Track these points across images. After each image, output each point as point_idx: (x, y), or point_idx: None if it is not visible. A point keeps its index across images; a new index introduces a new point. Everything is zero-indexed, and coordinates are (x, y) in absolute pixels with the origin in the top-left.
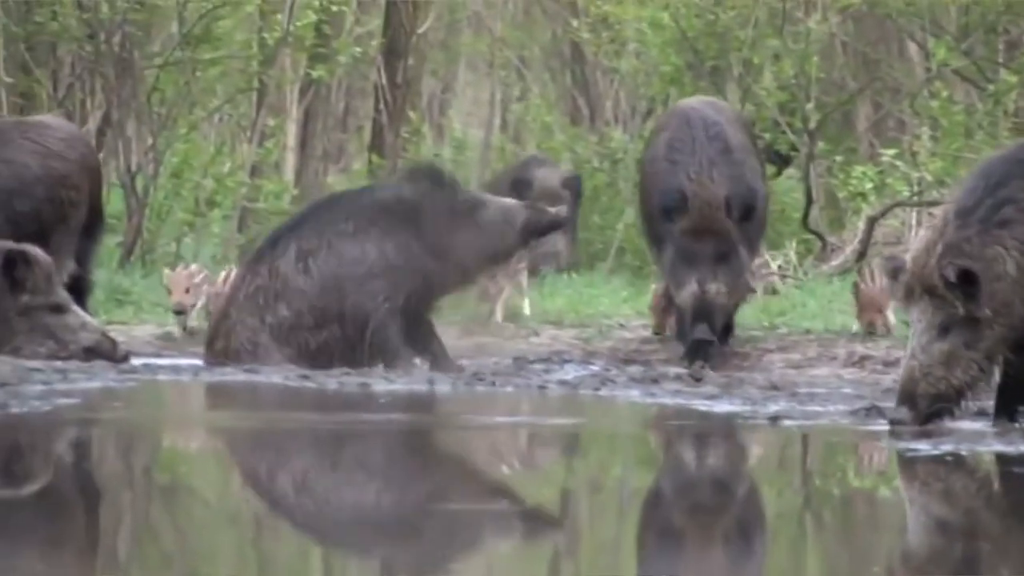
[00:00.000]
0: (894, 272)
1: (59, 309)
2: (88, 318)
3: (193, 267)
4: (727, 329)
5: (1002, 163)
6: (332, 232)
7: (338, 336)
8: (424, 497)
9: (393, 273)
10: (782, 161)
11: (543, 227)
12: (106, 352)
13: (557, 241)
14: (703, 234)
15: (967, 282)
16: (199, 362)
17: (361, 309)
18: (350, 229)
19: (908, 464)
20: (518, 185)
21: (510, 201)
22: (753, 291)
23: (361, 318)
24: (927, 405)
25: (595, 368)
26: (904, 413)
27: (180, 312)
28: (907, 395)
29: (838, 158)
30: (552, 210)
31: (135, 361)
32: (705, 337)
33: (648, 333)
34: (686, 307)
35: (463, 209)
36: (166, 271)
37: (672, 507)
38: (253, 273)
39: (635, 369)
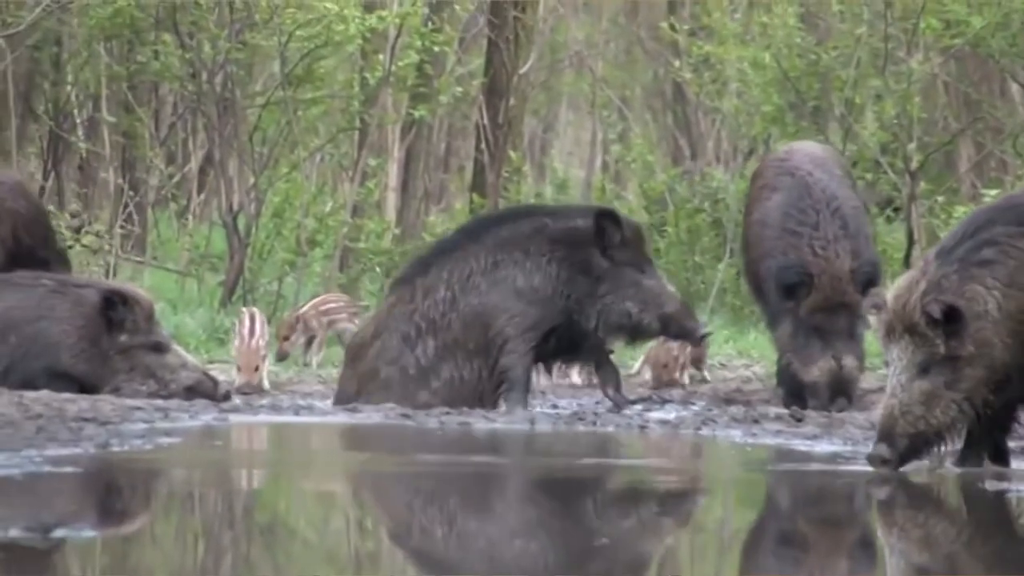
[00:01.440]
0: (875, 310)
1: (159, 348)
2: (189, 357)
3: (256, 340)
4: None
5: (987, 210)
6: (487, 259)
7: (481, 370)
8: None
9: (540, 307)
10: (885, 202)
11: (679, 330)
12: (207, 391)
13: None
14: (834, 309)
15: (951, 320)
16: (301, 401)
17: (501, 338)
18: (507, 257)
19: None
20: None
21: (670, 287)
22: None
23: (498, 347)
24: (906, 444)
25: (696, 408)
26: (884, 450)
27: (281, 359)
28: (886, 433)
29: (940, 198)
30: (698, 324)
31: (236, 399)
32: (846, 410)
33: (749, 372)
34: (822, 383)
35: (626, 263)
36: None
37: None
38: (401, 299)
39: (736, 409)
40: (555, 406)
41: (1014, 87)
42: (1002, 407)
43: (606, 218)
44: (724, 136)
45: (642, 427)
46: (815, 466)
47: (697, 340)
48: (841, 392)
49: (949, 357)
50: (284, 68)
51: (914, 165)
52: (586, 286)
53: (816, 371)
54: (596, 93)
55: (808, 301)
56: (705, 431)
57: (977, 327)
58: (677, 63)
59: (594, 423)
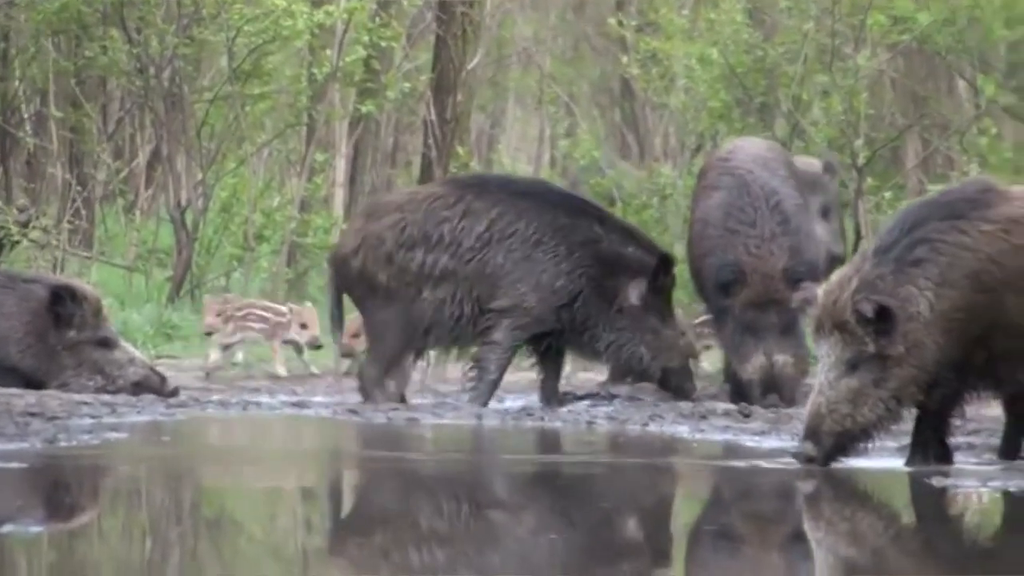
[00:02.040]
0: (803, 305)
1: (107, 344)
2: (136, 353)
3: (231, 295)
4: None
5: (922, 206)
6: (537, 232)
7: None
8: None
9: (546, 307)
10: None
11: (676, 387)
12: (154, 387)
13: None
14: (766, 307)
15: (882, 319)
16: (247, 396)
17: (497, 317)
18: (551, 244)
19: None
20: None
21: (683, 340)
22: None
23: (489, 322)
24: (832, 442)
25: (643, 403)
26: (810, 448)
27: (208, 333)
28: (812, 431)
29: (887, 194)
30: (693, 386)
31: (184, 395)
32: (777, 406)
33: (697, 369)
34: (754, 380)
35: (653, 309)
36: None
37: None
38: (446, 199)
39: (684, 405)
40: (502, 402)
41: (960, 83)
42: (944, 406)
43: (666, 262)
44: (671, 132)
45: (589, 423)
46: (759, 463)
47: (687, 399)
48: (773, 389)
49: (878, 356)
50: (232, 63)
51: (861, 161)
52: (602, 311)
53: (749, 368)
54: (543, 89)
55: (740, 298)
56: (652, 427)
57: (909, 328)
58: (624, 59)
59: (542, 419)
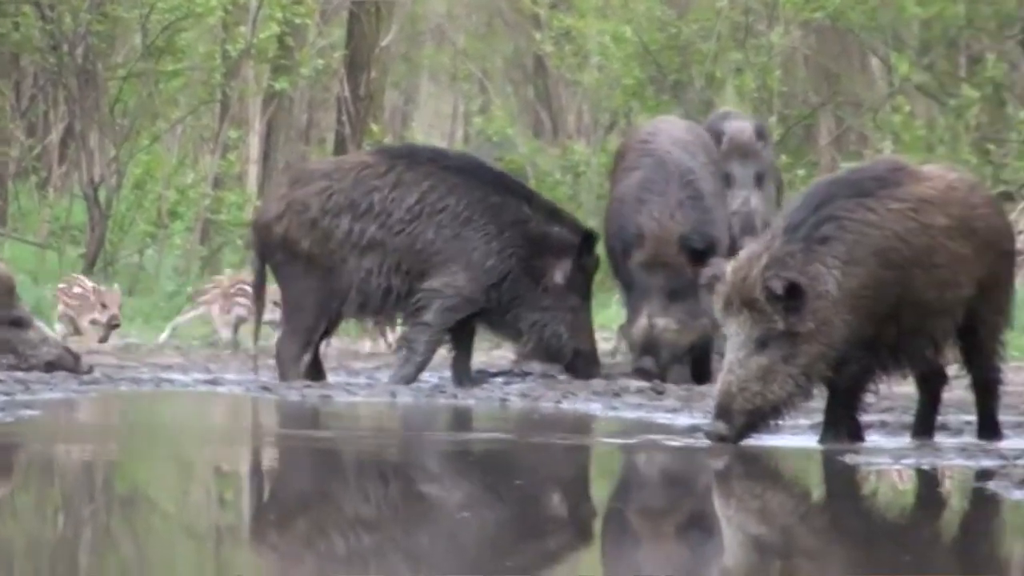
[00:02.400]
0: (712, 282)
1: (20, 323)
2: (50, 332)
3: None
4: (702, 374)
5: (829, 184)
6: (467, 209)
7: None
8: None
9: (477, 287)
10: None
11: (583, 370)
12: (68, 366)
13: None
14: (655, 267)
15: (792, 296)
16: (161, 373)
17: (430, 297)
18: (481, 222)
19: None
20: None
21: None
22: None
23: (421, 302)
24: (743, 420)
25: (556, 380)
26: (721, 427)
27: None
28: (723, 410)
29: (800, 171)
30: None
31: (97, 372)
32: (648, 369)
33: (609, 346)
34: (635, 342)
35: (576, 289)
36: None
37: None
38: (376, 168)
39: (597, 382)
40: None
41: (873, 61)
42: (856, 383)
43: (589, 240)
44: (585, 109)
45: (503, 400)
46: (672, 440)
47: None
48: (649, 351)
49: (787, 333)
50: (145, 40)
51: (774, 138)
52: (528, 290)
53: (632, 330)
54: (457, 65)
55: (634, 259)
56: (565, 404)
57: (817, 306)
58: (538, 36)
59: (455, 396)
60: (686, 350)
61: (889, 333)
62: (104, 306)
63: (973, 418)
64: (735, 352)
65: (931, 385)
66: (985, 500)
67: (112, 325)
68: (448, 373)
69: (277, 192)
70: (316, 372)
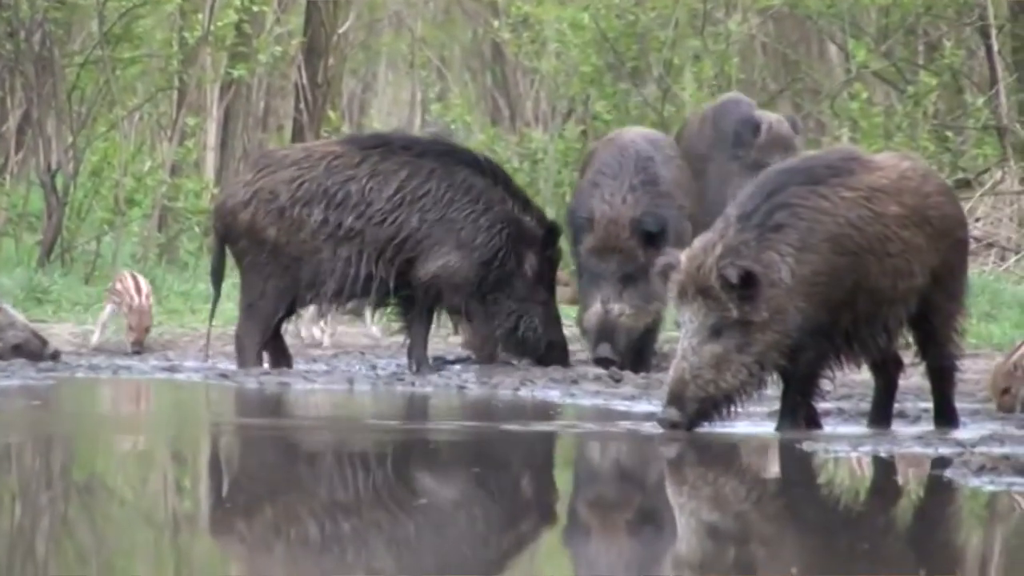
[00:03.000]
0: (666, 270)
1: None
2: (17, 317)
3: (143, 300)
4: (642, 359)
5: (781, 172)
6: (448, 191)
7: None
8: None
9: (471, 265)
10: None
11: (558, 359)
12: (35, 351)
13: None
14: (607, 252)
15: (747, 285)
16: (118, 361)
17: (435, 285)
18: (465, 202)
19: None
20: (744, 128)
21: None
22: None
23: (425, 288)
24: (696, 407)
25: (514, 367)
26: (673, 414)
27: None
28: (676, 397)
29: None
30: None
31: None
32: (607, 356)
33: (568, 333)
34: (590, 328)
35: (545, 281)
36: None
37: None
38: (348, 158)
39: (554, 370)
40: (374, 367)
41: (832, 48)
42: (812, 370)
43: (554, 233)
44: (543, 97)
45: (460, 388)
46: (629, 427)
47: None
48: (606, 338)
49: (741, 321)
50: (102, 27)
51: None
52: (512, 275)
53: (587, 316)
54: (415, 53)
55: (586, 244)
56: (524, 391)
57: (771, 294)
58: (496, 23)
59: (413, 383)
60: (643, 334)
61: (844, 320)
62: (131, 328)
63: (931, 405)
64: (689, 340)
65: (887, 372)
66: (942, 488)
67: (135, 351)
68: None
69: (243, 178)
70: (282, 357)
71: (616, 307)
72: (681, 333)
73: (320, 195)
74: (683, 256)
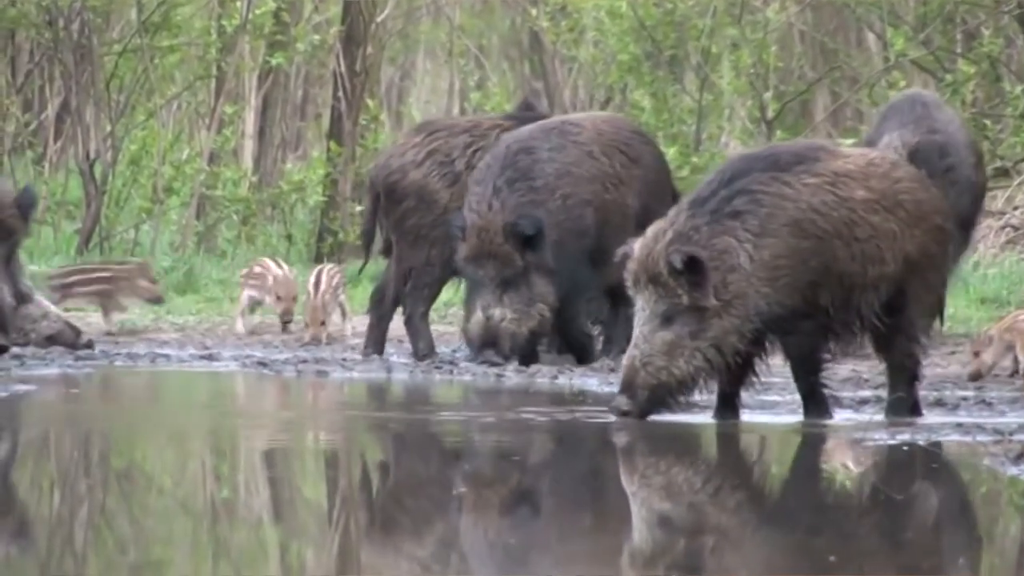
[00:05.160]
0: (622, 259)
1: (20, 299)
2: (51, 307)
3: (321, 295)
4: (528, 360)
5: (743, 159)
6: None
7: None
8: None
9: None
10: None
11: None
12: (68, 340)
13: None
14: (482, 259)
15: (693, 270)
16: (158, 349)
17: None
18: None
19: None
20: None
21: None
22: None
23: None
24: (647, 395)
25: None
26: (623, 402)
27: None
28: (627, 384)
29: None
30: None
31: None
32: (494, 360)
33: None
34: (474, 336)
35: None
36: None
37: None
38: (439, 144)
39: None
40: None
41: (870, 36)
42: (802, 353)
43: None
44: (581, 85)
45: (499, 376)
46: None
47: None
48: (489, 345)
49: (693, 307)
50: (141, 15)
51: (770, 114)
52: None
53: (469, 325)
54: (453, 41)
55: (460, 252)
56: (562, 379)
57: (730, 279)
58: (534, 11)
59: (451, 372)
60: (528, 338)
61: (823, 300)
62: (279, 298)
63: (971, 394)
64: (641, 327)
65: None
66: (981, 476)
67: (284, 321)
68: (443, 349)
69: (411, 141)
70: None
71: (497, 312)
72: (635, 321)
73: None
74: (636, 244)
